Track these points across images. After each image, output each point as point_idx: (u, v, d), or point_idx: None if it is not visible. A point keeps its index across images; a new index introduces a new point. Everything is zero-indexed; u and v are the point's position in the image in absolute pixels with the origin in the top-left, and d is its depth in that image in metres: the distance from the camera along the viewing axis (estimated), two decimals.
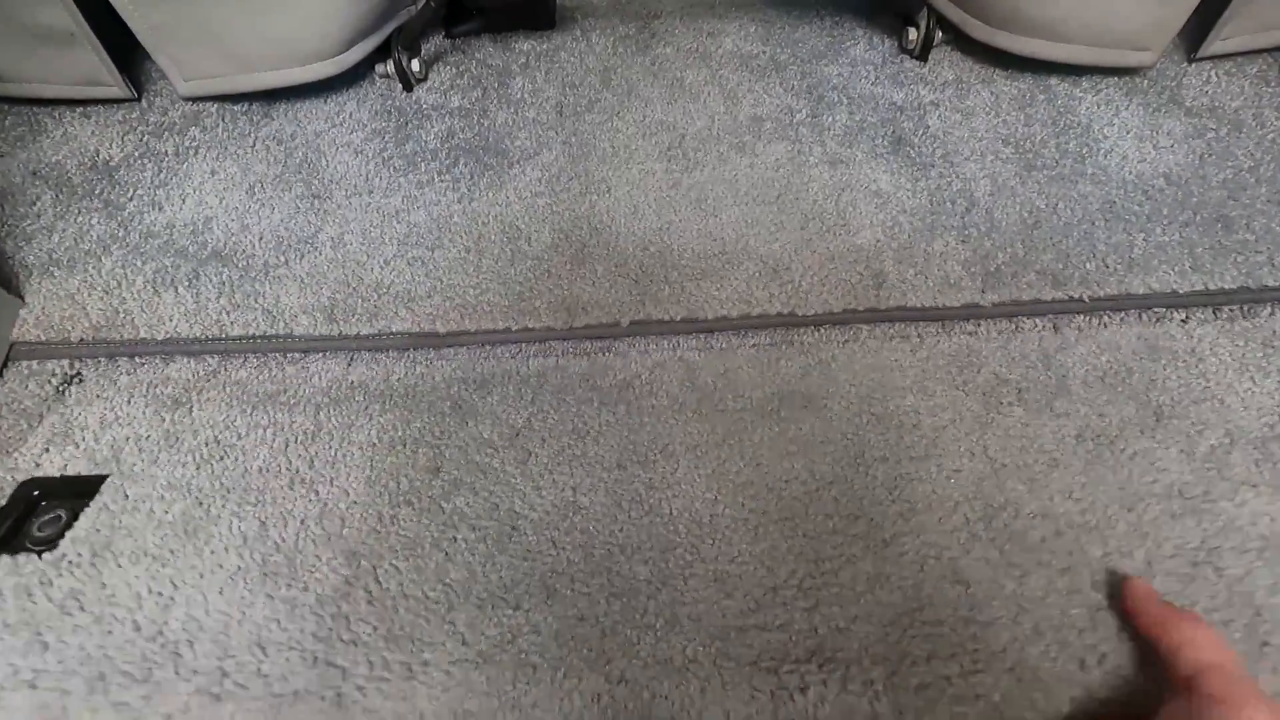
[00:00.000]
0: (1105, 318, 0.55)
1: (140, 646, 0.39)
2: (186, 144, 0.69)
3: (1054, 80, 0.69)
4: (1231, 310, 0.55)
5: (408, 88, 0.73)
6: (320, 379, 0.54)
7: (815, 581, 0.41)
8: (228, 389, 0.54)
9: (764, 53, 0.74)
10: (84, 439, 0.51)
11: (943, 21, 0.70)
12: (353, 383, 0.54)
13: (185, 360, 0.58)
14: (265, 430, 0.50)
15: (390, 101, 0.72)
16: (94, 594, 0.41)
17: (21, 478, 0.49)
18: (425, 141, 0.69)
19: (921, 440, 0.47)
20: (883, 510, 0.44)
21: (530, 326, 0.57)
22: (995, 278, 0.57)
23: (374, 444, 0.49)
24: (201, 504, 0.46)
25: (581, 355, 0.55)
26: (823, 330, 0.55)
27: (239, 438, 0.50)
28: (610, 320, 0.57)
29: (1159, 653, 0.34)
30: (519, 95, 0.72)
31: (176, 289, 0.60)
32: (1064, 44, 0.65)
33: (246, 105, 0.72)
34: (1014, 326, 0.56)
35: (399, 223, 0.63)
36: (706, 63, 0.74)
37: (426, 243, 0.62)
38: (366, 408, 0.51)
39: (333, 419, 0.51)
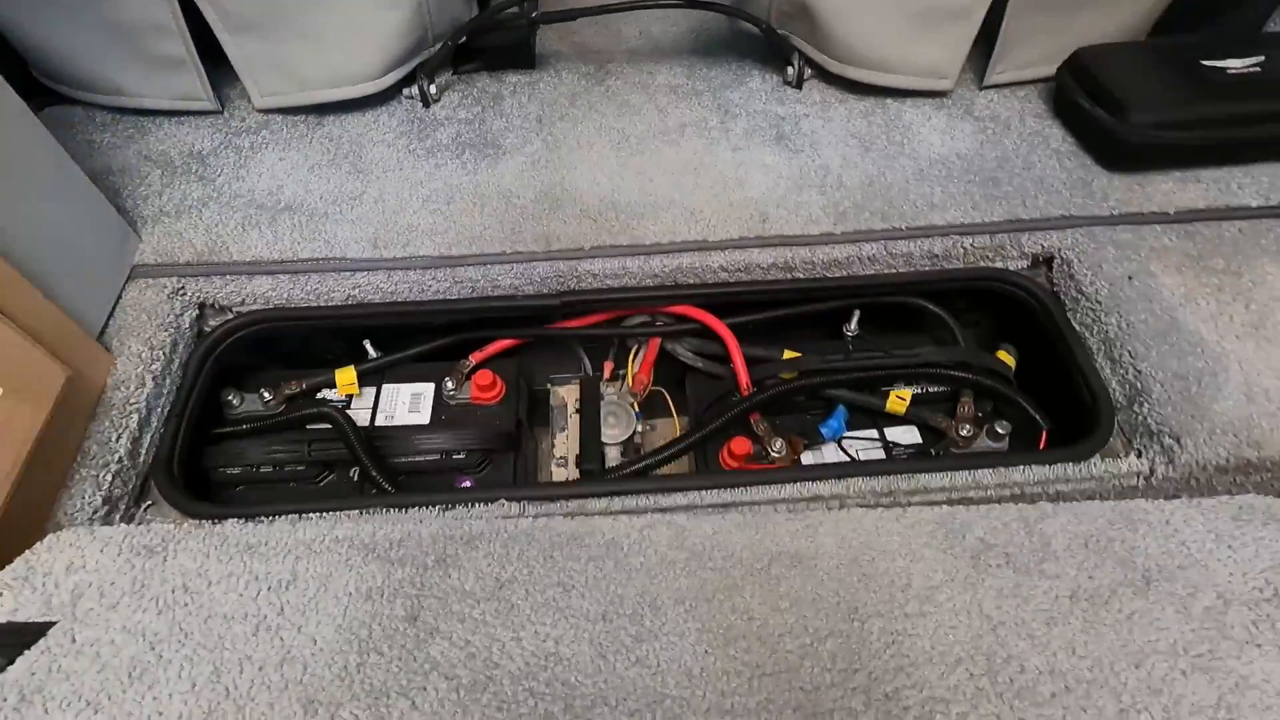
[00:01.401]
0: (1078, 496, 0.65)
1: None
2: (260, 141, 0.93)
3: (889, 100, 0.99)
4: (1194, 486, 0.67)
5: (426, 105, 0.98)
6: (304, 533, 0.53)
7: None
8: (205, 541, 0.51)
9: (687, 84, 1.02)
10: (44, 585, 0.47)
11: (809, 61, 0.99)
12: (337, 537, 0.52)
13: (263, 279, 0.80)
14: (239, 579, 0.47)
15: (413, 114, 0.98)
16: None
17: None
18: (440, 140, 0.94)
19: (914, 598, 0.46)
20: (881, 664, 0.42)
21: (520, 250, 0.81)
22: (843, 216, 0.83)
23: (350, 593, 0.46)
24: (154, 649, 0.43)
25: (569, 517, 0.58)
26: (807, 500, 0.63)
27: (209, 585, 0.47)
28: (576, 245, 0.81)
29: None
30: (509, 110, 0.98)
31: (260, 228, 0.82)
32: (890, 73, 0.95)
33: (305, 115, 0.96)
34: (871, 255, 0.81)
35: (422, 188, 0.87)
36: (645, 90, 1.01)
37: (443, 200, 0.86)
38: (348, 560, 0.49)
39: (311, 569, 0.48)
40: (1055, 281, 0.85)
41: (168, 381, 0.75)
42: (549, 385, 1.04)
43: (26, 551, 0.51)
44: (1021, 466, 0.71)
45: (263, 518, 0.67)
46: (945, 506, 0.56)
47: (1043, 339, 0.85)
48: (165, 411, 0.74)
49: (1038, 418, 0.78)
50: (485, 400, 0.85)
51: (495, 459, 0.83)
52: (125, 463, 0.67)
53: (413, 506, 0.68)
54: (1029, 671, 0.42)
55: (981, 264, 0.86)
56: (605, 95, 1.01)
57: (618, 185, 0.87)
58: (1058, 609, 0.46)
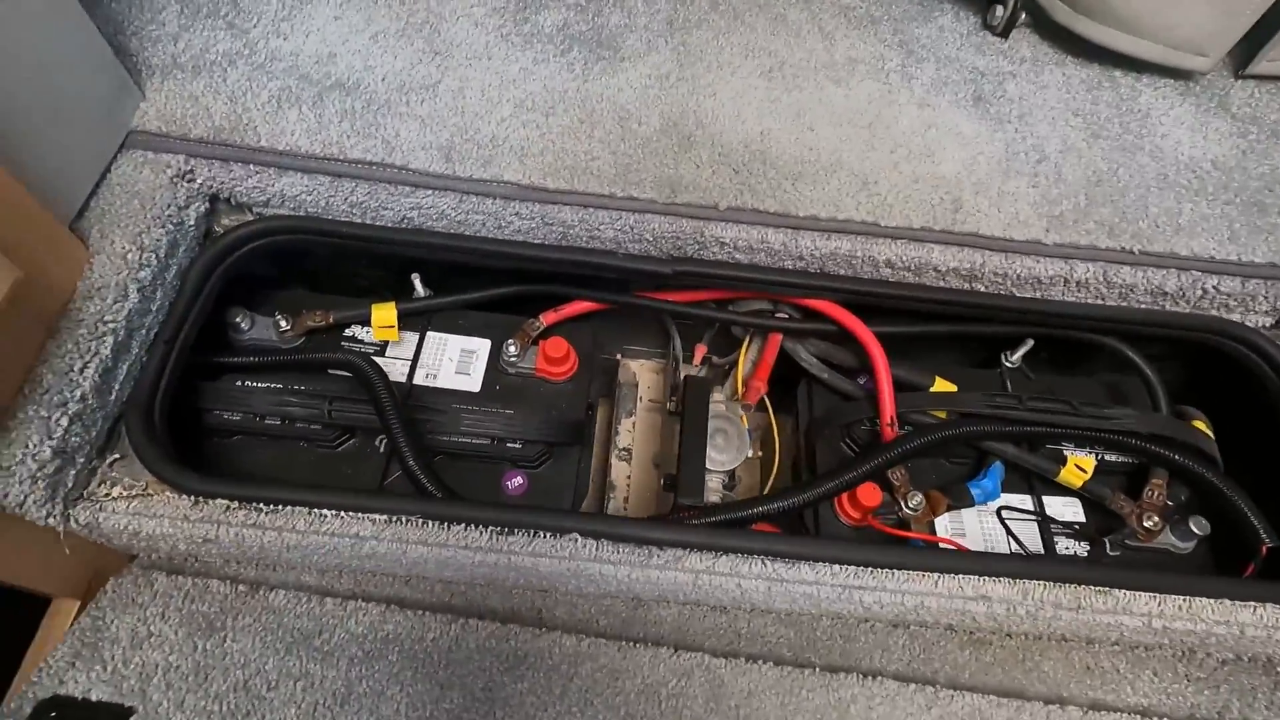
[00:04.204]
0: None
1: None
2: None
3: (1118, 73, 0.76)
4: (1212, 711, 0.58)
5: None
6: (355, 624, 0.53)
7: None
8: (260, 619, 0.53)
9: (861, 7, 0.79)
10: (113, 658, 0.50)
11: (1028, 3, 0.76)
12: (387, 635, 0.53)
13: (297, 177, 0.60)
14: (297, 683, 0.49)
15: None
16: None
17: (44, 694, 0.48)
18: (541, 25, 0.72)
19: None
20: None
21: (635, 196, 0.61)
22: (1058, 221, 0.63)
23: None
24: None
25: (612, 643, 0.55)
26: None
27: (269, 689, 0.49)
28: (708, 202, 0.62)
29: None
30: (633, 4, 0.76)
31: (300, 107, 0.62)
32: (1134, 37, 0.72)
33: None
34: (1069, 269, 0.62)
35: (516, 88, 0.66)
36: (808, 6, 0.79)
37: (541, 109, 0.65)
38: (399, 673, 0.51)
39: (365, 681, 0.50)
40: None
41: (159, 295, 0.57)
42: (619, 356, 0.87)
43: (90, 607, 0.53)
44: (1254, 604, 0.54)
45: (261, 504, 0.52)
46: (973, 697, 0.54)
47: (1263, 419, 0.67)
48: (151, 335, 0.56)
49: (1261, 529, 0.61)
50: (552, 375, 0.68)
51: (556, 453, 0.66)
52: (90, 402, 0.50)
53: (458, 523, 0.52)
54: None
55: (1214, 312, 0.66)
56: (757, 5, 0.78)
57: (768, 128, 0.66)
58: None
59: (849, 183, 0.63)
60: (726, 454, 0.64)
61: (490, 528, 0.52)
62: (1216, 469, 0.64)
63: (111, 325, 0.52)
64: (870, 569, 0.53)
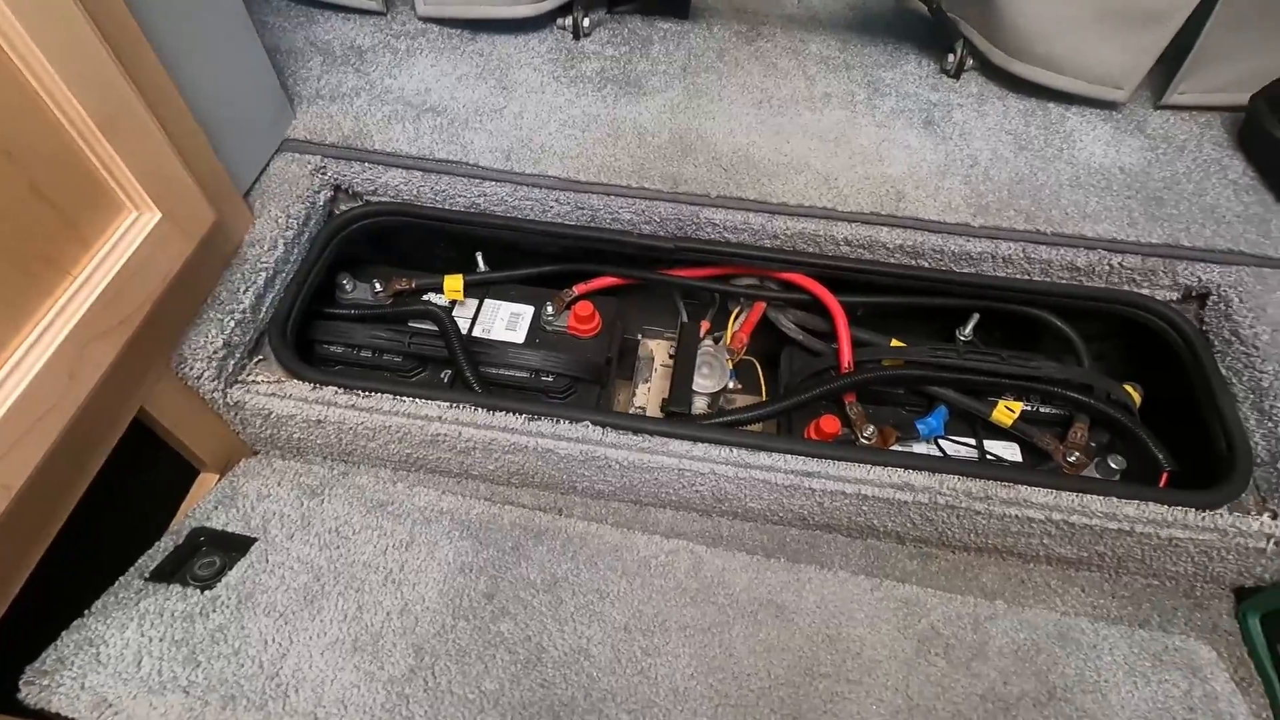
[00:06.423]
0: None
1: (261, 682, 0.49)
2: (416, 46, 0.96)
3: (1052, 105, 0.93)
4: (1134, 623, 0.68)
5: (576, 37, 0.99)
6: (419, 499, 0.68)
7: None
8: (349, 490, 0.68)
9: (839, 57, 0.99)
10: (243, 506, 0.65)
11: (974, 51, 0.95)
12: (442, 509, 0.66)
13: (398, 172, 0.82)
14: (373, 532, 0.63)
15: (562, 44, 0.99)
16: (235, 632, 0.52)
17: (195, 525, 0.62)
18: (584, 71, 0.94)
19: (859, 667, 0.57)
20: (816, 718, 0.54)
21: (646, 187, 0.80)
22: (984, 209, 0.79)
23: (449, 563, 0.60)
24: (318, 580, 0.57)
25: (616, 529, 0.69)
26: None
27: (353, 534, 0.62)
28: (703, 192, 0.80)
29: None
30: (656, 55, 0.98)
31: (403, 124, 0.84)
32: (1060, 75, 0.89)
33: (460, 29, 0.99)
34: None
35: (561, 113, 0.88)
36: (796, 56, 0.99)
37: (579, 127, 0.86)
38: (449, 533, 0.64)
39: (424, 535, 0.63)
40: (1206, 320, 0.78)
41: (295, 252, 0.78)
42: (639, 336, 1.04)
43: (229, 474, 0.71)
44: (1136, 502, 0.66)
45: (359, 391, 0.70)
46: (914, 587, 0.64)
47: (1178, 380, 0.79)
48: (289, 278, 0.77)
49: (1160, 456, 0.72)
50: (581, 332, 0.86)
51: (581, 389, 0.83)
52: (247, 315, 0.71)
53: (500, 410, 0.69)
54: None
55: (1125, 287, 0.80)
56: (754, 55, 0.99)
57: (754, 140, 0.86)
58: (966, 705, 0.55)
59: (814, 179, 0.81)
60: (710, 380, 0.80)
61: (523, 414, 0.69)
62: (1126, 410, 0.77)
63: (265, 265, 0.73)
64: (816, 458, 0.67)
